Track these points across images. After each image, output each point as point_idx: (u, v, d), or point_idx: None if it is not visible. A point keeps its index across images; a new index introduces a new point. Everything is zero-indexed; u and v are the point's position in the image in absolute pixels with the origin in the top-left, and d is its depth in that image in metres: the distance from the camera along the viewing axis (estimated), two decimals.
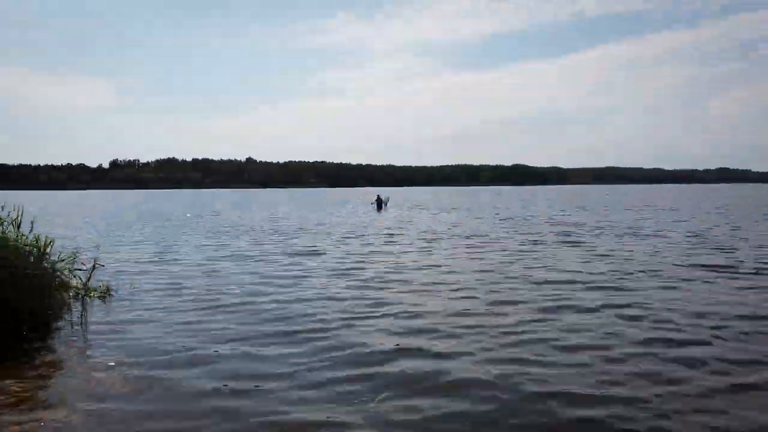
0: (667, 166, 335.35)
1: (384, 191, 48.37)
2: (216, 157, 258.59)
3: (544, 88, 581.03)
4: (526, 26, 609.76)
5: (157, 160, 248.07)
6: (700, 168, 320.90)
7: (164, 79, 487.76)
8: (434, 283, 10.19)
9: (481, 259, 13.48)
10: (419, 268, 11.94)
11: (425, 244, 16.62)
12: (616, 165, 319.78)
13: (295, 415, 4.65)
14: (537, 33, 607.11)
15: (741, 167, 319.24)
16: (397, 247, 16.17)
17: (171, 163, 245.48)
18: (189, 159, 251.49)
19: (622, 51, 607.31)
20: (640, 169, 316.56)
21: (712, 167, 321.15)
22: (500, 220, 27.50)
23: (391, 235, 19.98)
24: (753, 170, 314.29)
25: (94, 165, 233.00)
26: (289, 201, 65.56)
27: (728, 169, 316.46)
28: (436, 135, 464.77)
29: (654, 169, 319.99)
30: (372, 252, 15.01)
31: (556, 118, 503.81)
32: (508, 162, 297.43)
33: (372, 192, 63.42)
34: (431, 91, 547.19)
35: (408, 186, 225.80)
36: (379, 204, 41.38)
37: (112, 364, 5.89)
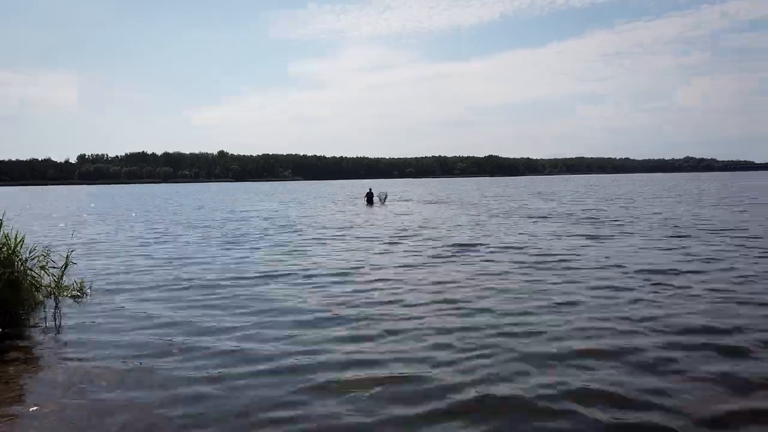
0: (637, 156, 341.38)
1: (376, 185, 42.78)
2: (188, 151, 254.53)
3: (517, 79, 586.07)
4: (500, 17, 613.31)
5: (126, 155, 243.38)
6: (667, 158, 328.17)
7: (133, 71, 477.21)
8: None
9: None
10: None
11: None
12: (587, 155, 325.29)
13: (272, 402, 4.86)
14: (510, 25, 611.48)
15: (707, 156, 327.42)
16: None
17: (141, 157, 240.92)
18: (159, 153, 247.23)
19: (594, 42, 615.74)
20: (611, 159, 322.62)
21: (680, 156, 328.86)
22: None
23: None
24: (717, 159, 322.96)
25: (60, 159, 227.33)
26: (248, 194, 65.13)
27: (694, 158, 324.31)
28: (411, 126, 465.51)
29: (623, 158, 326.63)
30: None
31: (529, 109, 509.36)
32: (481, 153, 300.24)
33: (361, 186, 54.81)
34: (406, 82, 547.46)
35: (383, 179, 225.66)
36: (370, 199, 36.89)
37: (84, 359, 5.99)
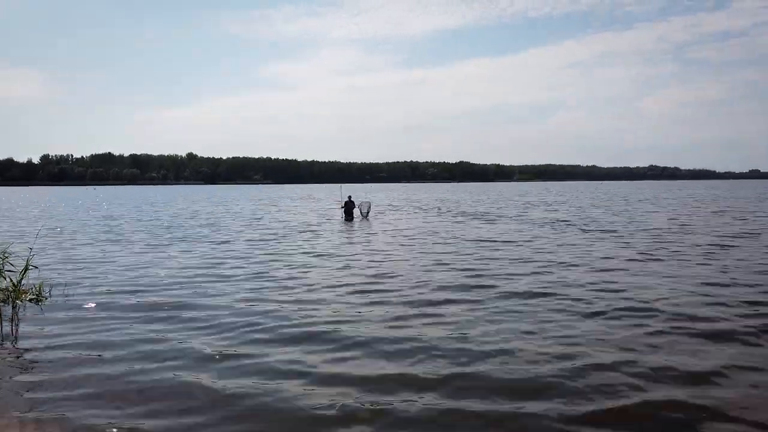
0: (603, 164, 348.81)
1: (349, 190, 32.66)
2: (156, 152, 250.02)
3: (488, 86, 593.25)
4: (472, 24, 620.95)
5: (92, 155, 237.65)
6: (632, 165, 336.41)
7: (99, 69, 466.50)
8: None
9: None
10: None
11: None
12: (555, 162, 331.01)
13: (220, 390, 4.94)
14: (482, 31, 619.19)
15: (671, 165, 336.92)
16: None
17: (107, 158, 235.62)
18: (127, 154, 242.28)
19: (562, 51, 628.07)
20: (578, 167, 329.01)
21: (644, 164, 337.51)
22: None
23: None
24: (681, 168, 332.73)
25: (23, 160, 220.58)
26: (207, 199, 64.54)
27: (658, 167, 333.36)
28: (383, 131, 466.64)
29: (590, 166, 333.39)
30: None
31: (499, 116, 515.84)
32: (452, 159, 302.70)
33: (336, 190, 43.40)
34: (379, 86, 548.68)
35: (354, 183, 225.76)
36: (349, 211, 26.73)
37: (44, 361, 5.96)
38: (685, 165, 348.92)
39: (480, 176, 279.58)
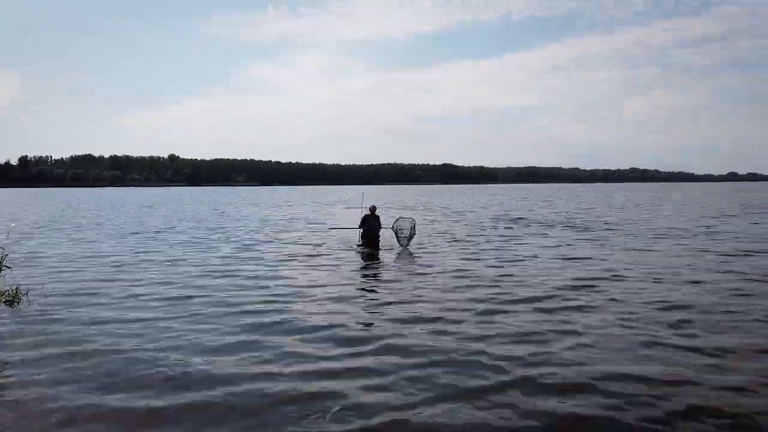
0: (585, 166, 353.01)
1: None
2: (137, 154, 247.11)
3: (472, 88, 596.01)
4: (455, 27, 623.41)
5: (71, 157, 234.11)
6: (613, 168, 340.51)
7: (79, 69, 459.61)
8: None
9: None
10: None
11: None
12: (538, 165, 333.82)
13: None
14: (465, 34, 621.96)
15: (651, 167, 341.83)
16: None
17: (87, 159, 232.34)
18: (107, 155, 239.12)
19: (546, 54, 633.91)
20: (560, 169, 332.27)
21: (625, 167, 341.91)
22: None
23: None
24: (660, 170, 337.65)
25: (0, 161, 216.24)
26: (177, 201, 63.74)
27: (639, 169, 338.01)
28: (368, 133, 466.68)
29: (573, 168, 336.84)
30: None
31: (483, 118, 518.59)
32: (437, 161, 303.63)
33: (329, 193, 39.02)
34: (362, 89, 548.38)
35: (340, 185, 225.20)
36: (371, 234, 15.68)
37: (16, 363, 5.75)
38: (664, 167, 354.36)
39: (464, 178, 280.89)
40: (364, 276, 11.34)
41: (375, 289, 9.82)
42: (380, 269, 12.15)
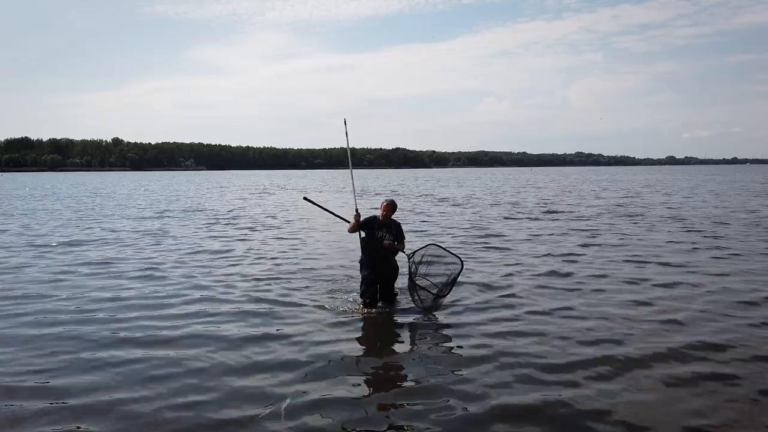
0: (532, 150, 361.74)
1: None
2: (78, 137, 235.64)
3: (420, 72, 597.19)
4: (406, 10, 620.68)
5: (7, 140, 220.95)
6: (560, 152, 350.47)
7: (14, 48, 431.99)
8: None
9: None
10: None
11: None
12: (486, 149, 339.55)
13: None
14: (416, 18, 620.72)
15: (594, 152, 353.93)
16: None
17: (24, 143, 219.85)
18: (45, 138, 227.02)
19: (494, 38, 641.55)
20: (510, 153, 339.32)
21: (571, 151, 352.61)
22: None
23: None
24: (604, 154, 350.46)
25: None
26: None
27: (584, 153, 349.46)
28: (317, 117, 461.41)
29: (521, 153, 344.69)
30: None
31: (431, 103, 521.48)
32: (388, 145, 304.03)
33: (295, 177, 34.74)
34: (312, 71, 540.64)
35: (291, 170, 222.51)
36: (380, 260, 7.55)
37: None
38: (607, 152, 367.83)
39: (416, 163, 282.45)
40: None
41: None
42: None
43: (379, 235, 7.56)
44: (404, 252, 7.63)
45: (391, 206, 7.67)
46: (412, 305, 7.66)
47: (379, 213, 7.73)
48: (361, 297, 7.73)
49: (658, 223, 17.87)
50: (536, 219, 19.94)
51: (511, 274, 9.94)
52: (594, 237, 14.90)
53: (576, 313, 7.42)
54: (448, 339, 6.57)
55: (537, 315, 7.36)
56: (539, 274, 9.96)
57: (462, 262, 7.63)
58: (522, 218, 20.18)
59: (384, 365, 5.78)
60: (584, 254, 12.08)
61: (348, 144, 8.41)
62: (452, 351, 6.16)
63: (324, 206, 8.27)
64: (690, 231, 15.89)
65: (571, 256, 11.87)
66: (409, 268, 7.61)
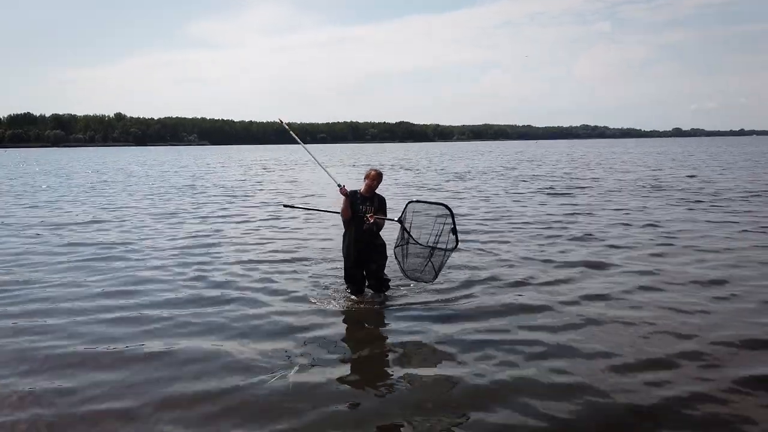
0: (538, 123, 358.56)
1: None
2: (81, 113, 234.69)
3: (423, 45, 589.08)
4: None
5: (9, 116, 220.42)
6: (565, 125, 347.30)
7: (14, 24, 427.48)
8: None
9: None
10: None
11: None
12: (492, 123, 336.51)
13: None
14: None
15: (601, 124, 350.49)
16: None
17: (27, 119, 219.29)
18: (48, 114, 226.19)
19: (499, 9, 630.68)
20: (515, 126, 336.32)
21: (576, 124, 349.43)
22: None
23: None
24: (610, 127, 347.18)
25: None
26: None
27: (589, 125, 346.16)
28: (320, 91, 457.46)
29: (526, 125, 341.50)
30: None
31: (434, 75, 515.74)
32: (392, 119, 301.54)
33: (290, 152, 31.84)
34: (313, 44, 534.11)
35: (295, 144, 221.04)
36: (361, 242, 6.88)
37: None
38: (613, 124, 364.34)
39: (420, 136, 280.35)
40: None
41: None
42: None
43: (363, 210, 6.75)
44: (393, 220, 6.73)
45: (378, 177, 6.88)
46: (406, 294, 7.15)
47: (361, 186, 6.92)
48: (345, 282, 7.15)
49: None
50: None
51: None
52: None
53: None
54: (446, 323, 6.22)
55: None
56: None
57: (449, 207, 6.50)
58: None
59: (372, 353, 5.57)
60: None
61: (295, 136, 8.02)
62: (449, 337, 5.86)
63: (307, 207, 7.86)
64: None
65: None
66: (402, 235, 6.70)
